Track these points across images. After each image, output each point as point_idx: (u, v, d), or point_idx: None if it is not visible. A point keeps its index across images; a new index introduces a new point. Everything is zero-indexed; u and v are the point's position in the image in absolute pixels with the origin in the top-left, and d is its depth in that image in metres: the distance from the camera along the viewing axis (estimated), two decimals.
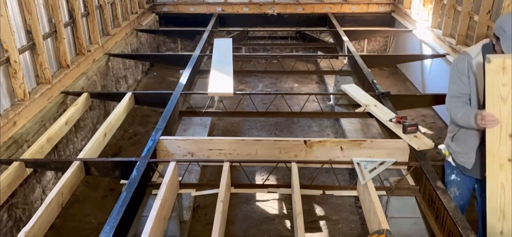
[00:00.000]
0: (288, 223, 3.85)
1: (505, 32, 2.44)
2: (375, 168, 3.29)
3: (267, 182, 3.76)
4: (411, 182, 3.38)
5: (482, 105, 2.66)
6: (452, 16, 5.95)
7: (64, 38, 4.70)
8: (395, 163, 3.38)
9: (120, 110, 4.42)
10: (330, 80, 6.97)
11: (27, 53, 4.09)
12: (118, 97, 4.74)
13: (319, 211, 4.03)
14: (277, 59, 7.37)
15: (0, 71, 3.64)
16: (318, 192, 3.37)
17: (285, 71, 6.71)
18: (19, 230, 2.85)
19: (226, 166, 3.34)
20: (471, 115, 2.61)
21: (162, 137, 3.66)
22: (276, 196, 4.21)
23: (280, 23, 8.52)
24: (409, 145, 3.52)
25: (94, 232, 3.68)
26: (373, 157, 3.49)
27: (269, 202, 4.14)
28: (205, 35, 6.96)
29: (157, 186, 3.19)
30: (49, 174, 4.07)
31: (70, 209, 3.93)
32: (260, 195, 4.20)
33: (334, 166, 3.58)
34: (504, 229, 2.57)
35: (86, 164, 3.43)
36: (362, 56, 5.88)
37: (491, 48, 2.64)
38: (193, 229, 3.74)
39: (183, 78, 5.08)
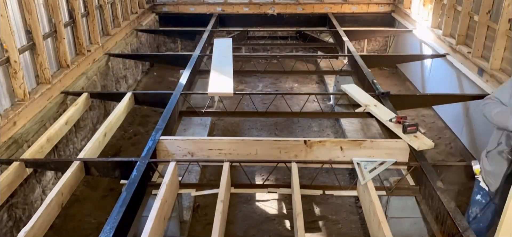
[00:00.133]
0: (288, 223, 3.85)
1: None
2: (375, 168, 3.29)
3: (267, 182, 3.76)
4: (411, 182, 3.38)
5: None
6: (452, 16, 5.95)
7: (64, 38, 4.70)
8: (395, 163, 3.37)
9: (120, 110, 4.42)
10: (330, 80, 6.97)
11: (27, 53, 4.09)
12: (118, 97, 4.74)
13: (319, 211, 4.03)
14: (277, 59, 7.36)
15: (0, 71, 3.64)
16: (318, 192, 3.37)
17: (285, 71, 6.71)
18: (19, 230, 2.85)
19: (226, 166, 3.34)
20: (509, 114, 2.38)
21: (162, 137, 3.66)
22: (276, 196, 4.21)
23: (280, 23, 8.52)
24: (409, 145, 3.52)
25: (94, 232, 3.68)
26: (373, 157, 3.48)
27: (269, 202, 4.14)
28: (205, 35, 6.96)
29: (157, 186, 3.19)
30: (49, 174, 4.07)
31: (70, 209, 3.93)
32: (260, 195, 4.20)
33: (334, 166, 3.58)
34: None
35: (86, 164, 3.43)
36: (362, 56, 5.88)
37: None
38: (193, 229, 3.74)
39: (183, 78, 5.08)
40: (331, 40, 7.90)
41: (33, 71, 4.21)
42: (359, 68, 5.50)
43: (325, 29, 8.23)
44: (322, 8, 8.50)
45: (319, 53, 7.86)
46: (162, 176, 3.30)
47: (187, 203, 3.87)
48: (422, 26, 6.97)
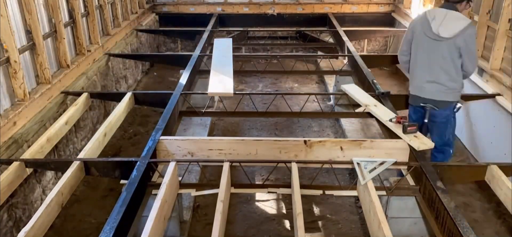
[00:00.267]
0: (288, 223, 3.85)
1: None
2: (375, 168, 3.29)
3: (267, 182, 3.76)
4: (411, 182, 3.38)
5: None
6: None
7: (64, 38, 4.70)
8: (395, 163, 3.37)
9: (120, 110, 4.42)
10: (330, 80, 6.97)
11: (27, 53, 4.09)
12: (118, 97, 4.73)
13: (319, 211, 4.03)
14: (277, 59, 7.36)
15: (0, 71, 3.65)
16: (318, 192, 3.37)
17: (285, 71, 6.71)
18: (19, 230, 2.85)
19: (226, 166, 3.34)
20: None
21: (162, 137, 3.66)
22: (276, 196, 4.21)
23: (280, 23, 8.52)
24: (409, 145, 3.52)
25: (94, 232, 3.68)
26: (373, 157, 3.48)
27: (269, 202, 4.15)
28: (205, 35, 6.96)
29: (157, 186, 3.19)
30: (49, 174, 4.07)
31: (70, 209, 3.93)
32: (260, 195, 4.20)
33: (334, 166, 3.58)
34: None
35: (86, 164, 3.43)
36: (362, 56, 5.88)
37: None
38: (193, 229, 3.74)
39: (183, 78, 5.08)
40: (331, 40, 7.90)
41: (33, 71, 4.21)
42: (359, 68, 5.50)
43: (325, 29, 8.23)
44: (322, 8, 8.50)
45: (319, 53, 7.86)
46: (162, 176, 3.30)
47: (187, 203, 3.87)
48: None
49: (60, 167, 3.51)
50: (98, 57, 5.72)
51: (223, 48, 6.19)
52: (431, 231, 3.18)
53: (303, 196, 3.10)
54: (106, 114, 5.42)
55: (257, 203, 4.13)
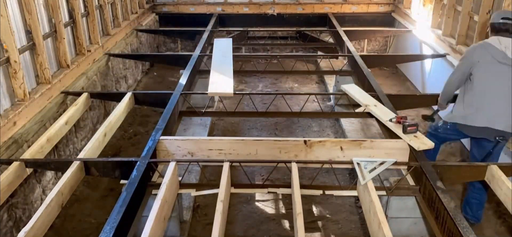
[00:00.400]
0: (288, 223, 3.86)
1: None
2: (375, 168, 3.29)
3: (267, 182, 3.76)
4: (411, 182, 3.38)
5: None
6: (452, 16, 5.95)
7: (64, 38, 4.70)
8: (395, 163, 3.37)
9: (120, 110, 4.42)
10: (330, 80, 6.98)
11: (27, 53, 4.09)
12: (118, 97, 4.73)
13: (319, 211, 4.03)
14: (277, 59, 7.37)
15: (0, 71, 3.65)
16: (318, 192, 3.37)
17: (285, 71, 6.71)
18: (19, 230, 2.85)
19: (226, 166, 3.34)
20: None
21: (162, 137, 3.66)
22: (276, 196, 4.21)
23: (280, 23, 8.52)
24: (409, 145, 3.52)
25: (94, 232, 3.68)
26: (373, 157, 3.48)
27: (269, 202, 4.15)
28: (205, 35, 6.96)
29: (157, 186, 3.19)
30: (49, 174, 4.07)
31: (70, 209, 3.94)
32: (260, 195, 4.20)
33: (334, 166, 3.58)
34: None
35: (86, 164, 3.43)
36: (362, 56, 5.88)
37: None
38: (193, 229, 3.74)
39: (183, 78, 5.08)
40: (331, 40, 7.90)
41: (33, 71, 4.21)
42: (359, 68, 5.50)
43: (325, 29, 8.23)
44: (322, 8, 8.50)
45: (319, 53, 7.87)
46: (162, 176, 3.30)
47: (187, 203, 3.87)
48: (422, 26, 6.97)
49: (60, 167, 3.51)
50: (98, 57, 5.72)
51: (223, 48, 6.20)
52: (431, 231, 3.18)
53: (303, 196, 3.10)
54: (106, 114, 5.43)
55: (257, 203, 4.14)
